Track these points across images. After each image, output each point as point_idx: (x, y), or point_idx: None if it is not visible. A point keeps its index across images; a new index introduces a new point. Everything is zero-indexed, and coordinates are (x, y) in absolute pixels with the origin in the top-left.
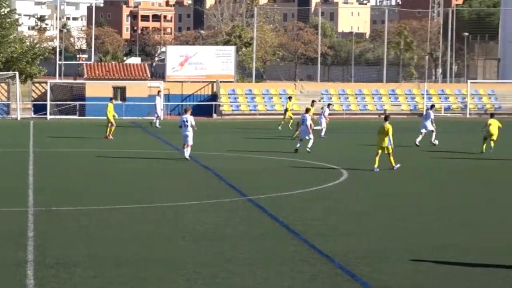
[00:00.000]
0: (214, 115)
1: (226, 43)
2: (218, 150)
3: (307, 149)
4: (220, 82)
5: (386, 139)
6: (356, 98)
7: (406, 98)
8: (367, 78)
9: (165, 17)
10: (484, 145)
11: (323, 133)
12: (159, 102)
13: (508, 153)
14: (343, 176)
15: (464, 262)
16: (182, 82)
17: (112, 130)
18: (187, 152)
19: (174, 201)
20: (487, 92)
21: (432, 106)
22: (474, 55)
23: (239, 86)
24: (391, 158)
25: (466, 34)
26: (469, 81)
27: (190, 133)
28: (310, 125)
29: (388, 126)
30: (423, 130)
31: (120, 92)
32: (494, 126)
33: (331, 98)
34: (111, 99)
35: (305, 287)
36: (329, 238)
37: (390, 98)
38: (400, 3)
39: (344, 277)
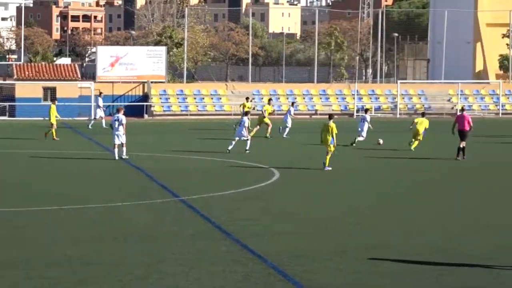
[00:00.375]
0: (145, 116)
1: (157, 43)
2: (150, 150)
3: (246, 150)
4: (151, 82)
5: (330, 137)
6: (287, 98)
7: (337, 98)
8: (298, 79)
9: (95, 17)
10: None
11: (285, 133)
12: (101, 103)
13: (441, 152)
14: (274, 176)
15: (396, 262)
16: (113, 82)
17: (53, 131)
18: (120, 152)
19: (105, 202)
20: (417, 92)
21: (366, 110)
22: (404, 56)
23: (170, 86)
24: (328, 157)
25: (396, 34)
26: (399, 81)
27: (121, 132)
28: (247, 127)
29: (332, 125)
30: (363, 134)
31: (50, 93)
32: (421, 125)
33: (295, 98)
34: (53, 100)
35: (238, 287)
36: (261, 238)
37: (321, 98)
38: (330, 4)
39: (276, 277)
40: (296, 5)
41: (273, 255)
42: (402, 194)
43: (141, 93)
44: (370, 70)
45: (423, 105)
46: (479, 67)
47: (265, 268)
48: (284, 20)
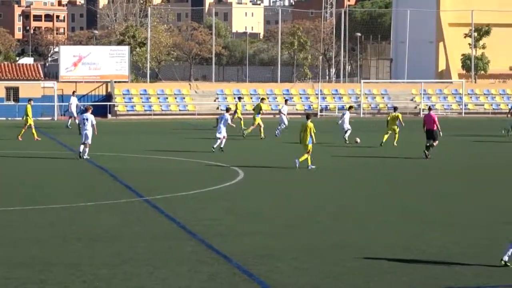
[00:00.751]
0: (109, 116)
1: (120, 43)
2: (114, 150)
3: (220, 148)
4: (115, 82)
5: (308, 137)
6: (251, 98)
7: (301, 98)
8: (261, 78)
9: (57, 17)
10: (385, 138)
11: (278, 131)
12: (74, 102)
13: (408, 151)
14: (239, 176)
15: (360, 261)
16: (76, 82)
17: (22, 132)
18: (83, 150)
19: (69, 203)
20: (380, 92)
21: (350, 107)
22: (367, 55)
23: (134, 86)
24: (308, 157)
25: (359, 34)
26: (362, 81)
27: (89, 132)
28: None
29: (310, 124)
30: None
31: (13, 93)
32: (393, 120)
33: (292, 97)
34: (29, 100)
35: (203, 287)
36: (226, 238)
37: (284, 98)
38: (293, 3)
39: (241, 277)
40: (259, 4)
41: (238, 255)
42: (368, 193)
43: (104, 93)
44: (333, 70)
45: (386, 105)
46: (441, 66)
47: (230, 268)
48: (247, 19)
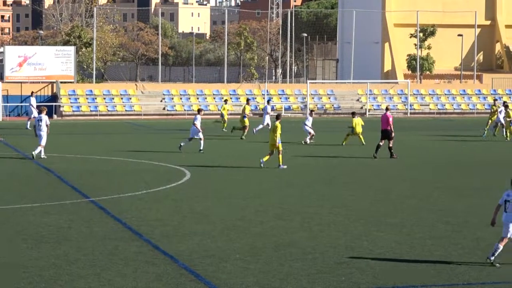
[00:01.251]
0: (55, 116)
1: (66, 43)
2: (59, 151)
3: (200, 150)
4: (60, 82)
5: (276, 137)
6: (198, 98)
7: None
8: (208, 79)
9: (2, 17)
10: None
11: (257, 129)
12: (34, 103)
13: (358, 151)
14: (186, 176)
15: (304, 261)
16: (21, 82)
17: None
18: (37, 150)
19: (15, 204)
20: (326, 92)
21: (312, 111)
22: (313, 56)
23: (80, 86)
24: (280, 157)
25: (305, 35)
26: (308, 81)
27: (44, 133)
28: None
29: (278, 124)
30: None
31: None
32: (358, 125)
33: (271, 98)
34: None
35: None
36: (173, 239)
37: (231, 98)
38: (239, 4)
39: (188, 277)
40: (205, 5)
41: (184, 255)
42: (314, 193)
43: (50, 94)
44: (280, 70)
45: (332, 105)
46: (387, 67)
47: (176, 269)
48: (193, 20)
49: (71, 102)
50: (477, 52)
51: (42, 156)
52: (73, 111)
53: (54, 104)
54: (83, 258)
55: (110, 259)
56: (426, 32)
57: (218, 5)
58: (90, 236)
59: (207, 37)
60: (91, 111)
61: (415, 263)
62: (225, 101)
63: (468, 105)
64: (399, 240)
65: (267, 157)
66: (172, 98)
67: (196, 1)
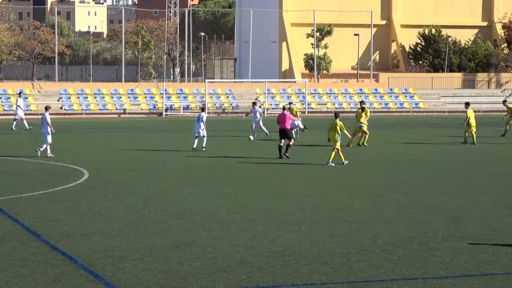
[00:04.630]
0: None
1: None
2: None
3: (203, 148)
4: None
5: (337, 135)
6: (95, 97)
7: (145, 97)
8: (105, 78)
9: None
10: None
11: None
12: (21, 103)
13: (263, 152)
14: (84, 176)
15: (204, 260)
16: None
17: None
18: (44, 149)
19: None
20: (225, 91)
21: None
22: (211, 55)
23: None
24: (333, 154)
25: (203, 34)
26: (206, 80)
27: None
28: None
29: (339, 122)
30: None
31: None
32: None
33: (258, 98)
34: None
35: None
36: (71, 239)
37: (129, 97)
38: (136, 3)
39: (87, 278)
40: (102, 3)
41: (83, 256)
42: (214, 193)
43: None
44: (178, 69)
45: (231, 104)
46: (285, 66)
47: (76, 269)
48: (90, 18)
49: None
50: (373, 52)
51: (48, 155)
52: None
53: None
54: None
55: (7, 260)
56: (323, 31)
57: (115, 3)
58: None
59: (104, 36)
60: None
61: (314, 261)
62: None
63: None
64: (298, 238)
65: (332, 155)
66: (69, 98)
67: (93, 0)
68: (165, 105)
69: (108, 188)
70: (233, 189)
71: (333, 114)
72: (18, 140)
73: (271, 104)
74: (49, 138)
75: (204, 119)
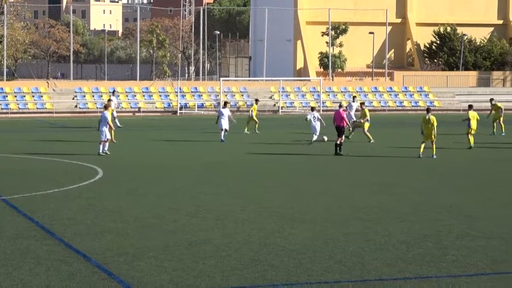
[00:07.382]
0: None
1: None
2: None
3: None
4: None
5: (434, 130)
6: (110, 96)
7: (160, 96)
8: (120, 76)
9: None
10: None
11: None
12: (115, 101)
13: (277, 149)
14: (98, 175)
15: (218, 258)
16: None
17: None
18: (103, 147)
19: None
20: (240, 90)
21: (313, 108)
22: (226, 53)
23: None
24: (434, 147)
25: (218, 32)
26: (221, 78)
27: (104, 128)
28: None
29: (432, 118)
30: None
31: None
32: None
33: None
34: None
35: (62, 287)
36: (85, 237)
37: (144, 96)
38: (151, 1)
39: (101, 276)
40: (117, 2)
41: (97, 254)
42: (228, 190)
43: None
44: (192, 68)
45: (245, 102)
46: (300, 64)
47: (90, 267)
48: (105, 17)
49: None
50: (388, 50)
51: (105, 152)
52: None
53: None
54: None
55: (22, 258)
56: (338, 30)
57: (130, 2)
58: (1, 235)
59: (119, 35)
60: (2, 109)
61: (328, 260)
62: (256, 100)
63: (379, 102)
64: (312, 236)
65: (422, 147)
66: (84, 96)
67: None
68: (180, 103)
69: (122, 186)
70: (247, 187)
71: (425, 110)
72: (33, 138)
73: (285, 103)
74: (108, 135)
75: (230, 113)
